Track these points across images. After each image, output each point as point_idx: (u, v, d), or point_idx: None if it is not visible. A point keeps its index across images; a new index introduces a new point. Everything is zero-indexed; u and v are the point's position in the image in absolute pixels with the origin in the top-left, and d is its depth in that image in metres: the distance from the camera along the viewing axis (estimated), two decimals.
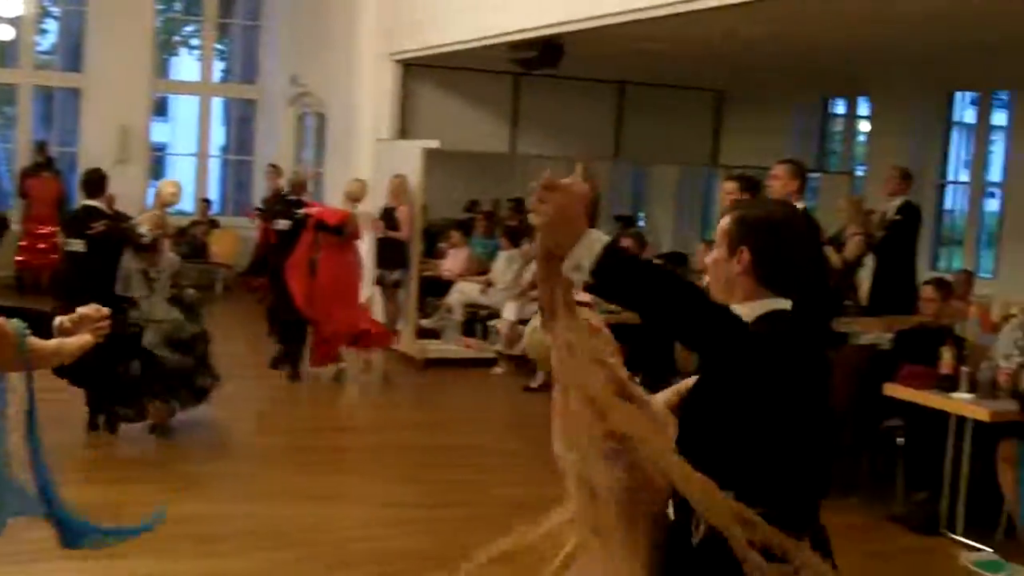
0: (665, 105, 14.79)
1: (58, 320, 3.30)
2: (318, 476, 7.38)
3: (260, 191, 15.90)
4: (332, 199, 14.57)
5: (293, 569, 5.62)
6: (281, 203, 11.09)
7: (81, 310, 3.33)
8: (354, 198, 10.57)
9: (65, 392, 7.42)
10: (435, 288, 12.19)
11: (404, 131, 13.54)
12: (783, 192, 7.14)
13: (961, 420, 6.43)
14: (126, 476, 7.15)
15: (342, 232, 9.95)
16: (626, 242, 10.44)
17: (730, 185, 7.38)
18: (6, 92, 16.77)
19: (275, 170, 15.22)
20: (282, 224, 10.55)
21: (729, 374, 2.58)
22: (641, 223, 15.50)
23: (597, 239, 2.46)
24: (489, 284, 11.67)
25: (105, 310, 3.36)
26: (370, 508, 6.83)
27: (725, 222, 2.76)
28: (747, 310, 2.64)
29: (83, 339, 3.28)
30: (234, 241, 15.87)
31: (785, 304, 2.68)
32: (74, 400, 7.72)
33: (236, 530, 6.11)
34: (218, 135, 18.42)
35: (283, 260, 10.05)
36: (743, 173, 7.68)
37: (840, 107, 14.50)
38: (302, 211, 10.27)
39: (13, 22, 15.55)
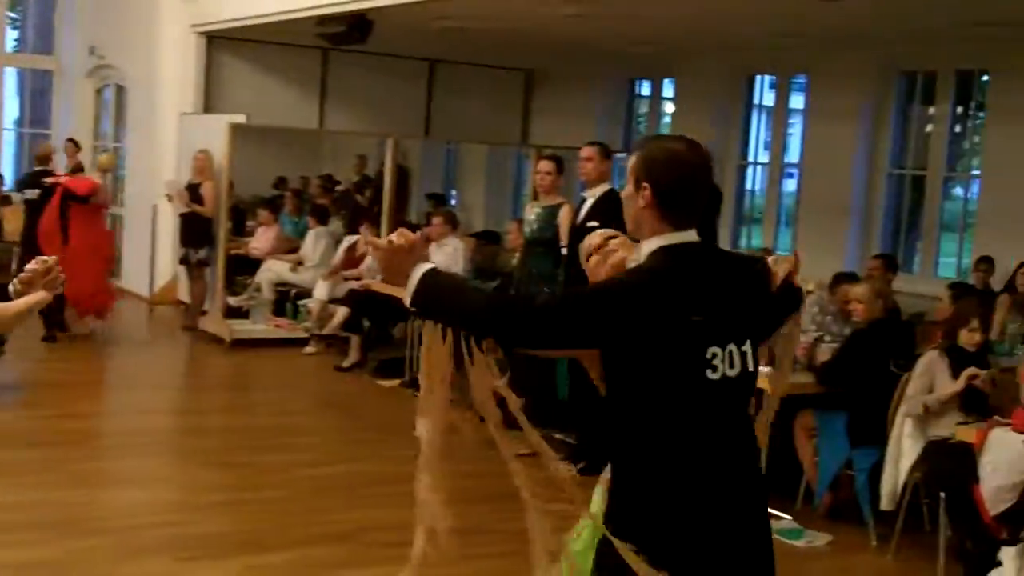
0: (475, 84, 14.83)
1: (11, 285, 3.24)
2: (117, 461, 7.17)
3: (59, 167, 15.21)
4: (134, 174, 14.15)
5: (87, 558, 5.42)
6: (31, 175, 11.17)
7: (28, 266, 3.27)
8: (103, 168, 11.47)
9: None
10: (243, 266, 11.93)
11: (209, 106, 13.20)
12: (597, 172, 7.25)
13: (760, 392, 6.63)
14: None
15: (87, 201, 10.44)
16: (437, 220, 10.44)
17: (546, 164, 7.45)
18: None
19: (73, 145, 14.65)
20: (30, 194, 10.75)
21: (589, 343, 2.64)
22: (453, 201, 15.53)
23: (419, 270, 2.59)
24: (299, 263, 11.49)
25: (51, 260, 3.31)
26: (172, 493, 6.66)
27: (631, 160, 2.76)
28: (646, 247, 2.71)
29: (36, 296, 3.25)
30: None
31: (687, 237, 2.67)
32: None
33: (29, 519, 5.88)
34: (11, 108, 17.55)
35: (35, 229, 10.38)
36: (555, 153, 7.76)
37: (646, 88, 14.79)
38: (49, 180, 10.60)
39: None
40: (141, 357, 11.01)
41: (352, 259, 10.89)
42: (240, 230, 12.59)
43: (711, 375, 2.59)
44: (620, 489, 2.71)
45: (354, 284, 10.43)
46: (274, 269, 11.51)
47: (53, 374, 9.82)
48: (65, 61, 16.16)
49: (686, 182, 2.67)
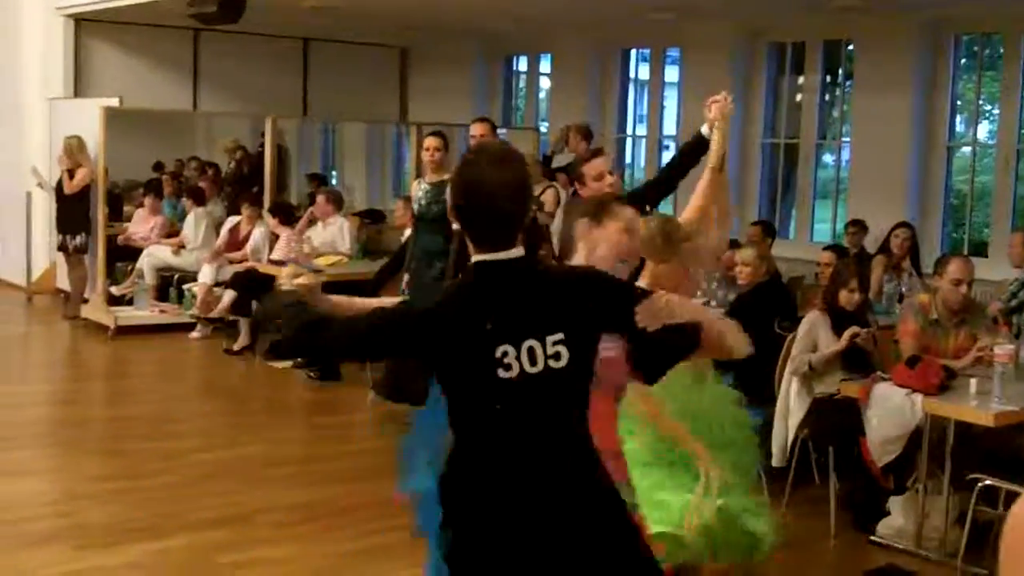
0: (351, 62, 14.76)
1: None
2: (5, 453, 7.01)
3: None
4: (2, 163, 13.74)
5: None
6: None
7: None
8: None
9: None
10: (122, 253, 11.70)
11: (79, 90, 12.90)
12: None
13: None
14: None
15: None
16: (320, 198, 10.41)
17: (433, 141, 7.49)
18: None
19: None
20: None
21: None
22: (334, 181, 15.44)
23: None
24: (181, 246, 11.33)
25: None
26: (61, 483, 6.60)
27: None
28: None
29: None
30: None
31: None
32: None
33: None
34: None
35: None
36: (440, 130, 7.80)
37: (523, 64, 14.89)
38: None
39: None
40: (21, 348, 10.78)
41: (235, 241, 10.78)
42: (118, 216, 12.34)
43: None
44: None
45: (239, 267, 10.34)
46: (156, 254, 11.32)
47: None
48: None
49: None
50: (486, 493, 2.68)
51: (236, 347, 10.01)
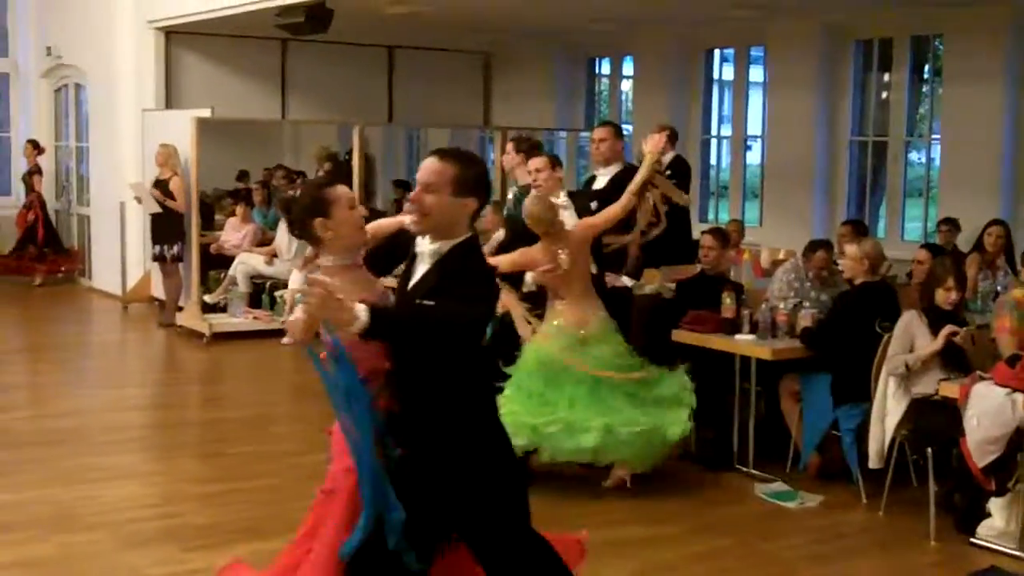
0: (435, 68, 14.87)
1: None
2: (104, 457, 7.17)
3: (20, 168, 15.16)
4: (97, 172, 14.08)
5: (90, 551, 5.48)
6: None
7: None
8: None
9: None
10: (214, 261, 11.93)
11: (170, 101, 13.16)
12: (611, 152, 7.36)
13: (746, 360, 6.79)
14: None
15: None
16: (406, 204, 10.47)
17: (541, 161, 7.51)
18: None
19: (32, 146, 14.61)
20: None
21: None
22: None
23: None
24: (274, 255, 11.51)
25: None
26: (165, 486, 6.72)
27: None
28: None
29: None
30: None
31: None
32: None
33: (28, 516, 5.92)
34: None
35: None
36: (521, 135, 7.85)
37: (606, 67, 14.90)
38: None
39: None
40: (118, 354, 11.03)
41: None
42: (209, 224, 12.58)
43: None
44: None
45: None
46: (248, 262, 11.53)
47: (27, 376, 9.81)
48: (20, 62, 16.03)
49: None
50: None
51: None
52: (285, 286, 10.98)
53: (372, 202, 13.53)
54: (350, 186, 11.69)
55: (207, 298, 11.49)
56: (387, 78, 14.93)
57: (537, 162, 6.99)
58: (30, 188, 14.53)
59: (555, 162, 7.02)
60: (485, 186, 3.55)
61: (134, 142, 12.80)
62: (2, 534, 5.62)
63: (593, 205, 6.92)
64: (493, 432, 3.60)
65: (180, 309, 11.46)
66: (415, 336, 3.42)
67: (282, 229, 11.57)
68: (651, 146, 6.54)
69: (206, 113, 11.37)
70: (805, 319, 6.74)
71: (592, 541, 4.25)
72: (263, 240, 11.91)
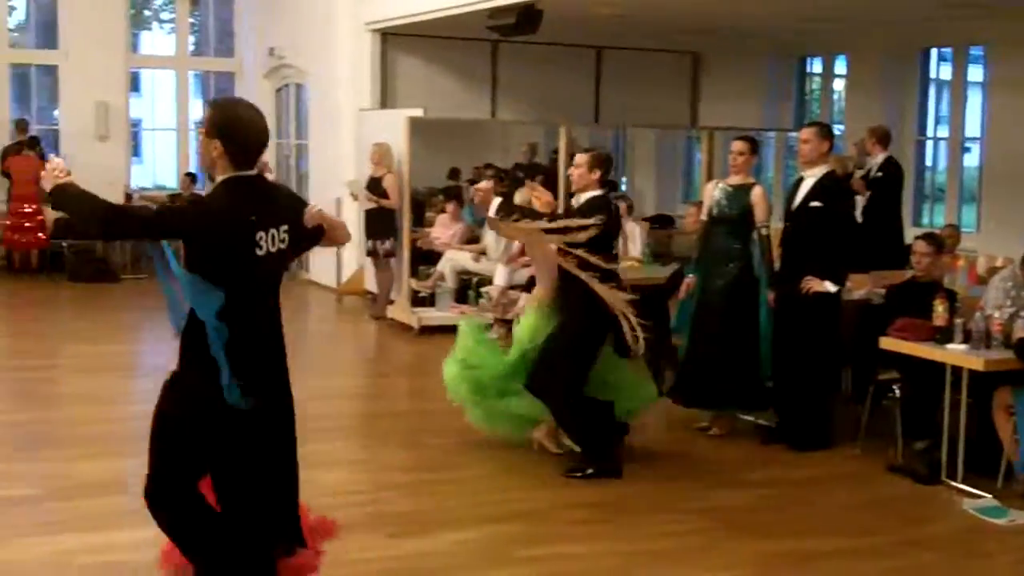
0: (642, 68, 14.88)
1: None
2: (314, 444, 7.40)
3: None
4: (315, 169, 14.64)
5: None
6: None
7: None
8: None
9: None
10: (424, 257, 12.26)
11: (385, 101, 13.57)
12: (815, 153, 7.26)
13: (957, 370, 6.58)
14: (130, 449, 7.20)
15: None
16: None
17: (740, 145, 7.49)
18: None
19: None
20: None
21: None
22: (624, 187, 15.61)
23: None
24: (482, 253, 11.74)
25: None
26: (371, 473, 6.95)
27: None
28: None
29: None
30: None
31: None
32: None
33: None
34: (195, 109, 18.31)
35: None
36: (750, 135, 7.79)
37: (817, 66, 14.62)
38: None
39: None
40: (331, 345, 11.43)
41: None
42: (420, 221, 12.92)
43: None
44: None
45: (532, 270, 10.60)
46: (456, 259, 11.80)
47: None
48: (245, 62, 16.81)
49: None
50: (241, 322, 3.87)
51: None
52: (491, 283, 11.18)
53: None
54: (556, 185, 11.91)
55: (414, 284, 11.79)
56: (594, 79, 15.02)
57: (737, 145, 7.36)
58: None
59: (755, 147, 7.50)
60: None
61: (351, 140, 13.25)
62: None
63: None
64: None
65: (391, 303, 11.82)
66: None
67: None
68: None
69: (419, 113, 11.67)
70: (1021, 330, 6.50)
71: (791, 550, 4.23)
72: (472, 238, 12.15)
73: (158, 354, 10.61)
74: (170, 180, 18.00)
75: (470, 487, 6.55)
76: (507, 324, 10.87)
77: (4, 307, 13.53)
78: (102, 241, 11.62)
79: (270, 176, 4.49)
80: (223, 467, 4.00)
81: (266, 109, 15.82)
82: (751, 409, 7.70)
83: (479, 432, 7.67)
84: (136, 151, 19.22)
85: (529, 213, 6.69)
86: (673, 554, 5.50)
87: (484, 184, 7.14)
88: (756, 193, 7.41)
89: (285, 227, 3.97)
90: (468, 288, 11.75)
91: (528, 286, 10.31)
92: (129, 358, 10.50)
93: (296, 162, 15.87)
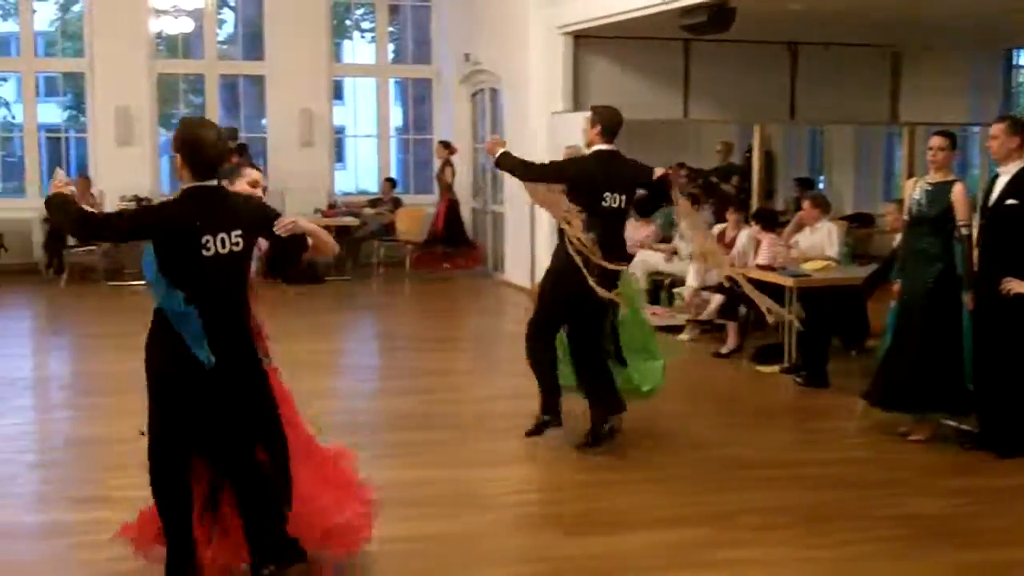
0: (839, 64, 14.56)
1: None
2: (505, 442, 7.57)
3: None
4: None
5: (485, 531, 5.84)
6: None
7: None
8: None
9: None
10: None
11: (577, 104, 13.67)
12: (1005, 149, 7.04)
13: None
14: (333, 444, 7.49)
15: None
16: (807, 203, 10.37)
17: (938, 140, 7.29)
18: (192, 82, 17.48)
19: (444, 145, 15.67)
20: None
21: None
22: (821, 185, 15.33)
23: None
24: (674, 253, 11.72)
25: None
26: (549, 472, 7.03)
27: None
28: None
29: None
30: (419, 218, 16.27)
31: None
32: None
33: (435, 494, 6.37)
34: (395, 115, 18.85)
35: None
36: (948, 130, 7.57)
37: None
38: None
39: (193, 14, 16.28)
40: (522, 346, 11.55)
41: (722, 246, 10.97)
42: None
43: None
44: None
45: (732, 271, 10.50)
46: (648, 259, 11.81)
47: (443, 363, 10.54)
48: (442, 69, 17.20)
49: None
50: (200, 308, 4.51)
51: (724, 350, 10.21)
52: (683, 283, 11.15)
53: (772, 201, 13.46)
54: (750, 183, 11.77)
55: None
56: (789, 75, 14.77)
57: (936, 141, 7.24)
58: (443, 185, 15.60)
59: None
60: None
61: (543, 143, 13.39)
62: (411, 508, 6.07)
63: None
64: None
65: None
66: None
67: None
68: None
69: None
70: None
71: (989, 560, 4.11)
72: (663, 238, 12.14)
73: (361, 354, 11.06)
74: (372, 185, 18.55)
75: (654, 488, 6.55)
76: (701, 325, 10.86)
77: None
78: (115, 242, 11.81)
79: (258, 191, 5.12)
80: (206, 423, 4.64)
81: (462, 114, 16.37)
82: (954, 413, 7.47)
83: (664, 432, 7.72)
84: (339, 157, 19.87)
85: (529, 164, 7.32)
86: (862, 562, 5.40)
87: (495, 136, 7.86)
88: (956, 191, 7.18)
89: (238, 232, 4.55)
90: (660, 289, 11.74)
91: (720, 287, 10.28)
92: (331, 356, 10.88)
93: (491, 166, 16.12)
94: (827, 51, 14.45)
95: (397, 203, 16.40)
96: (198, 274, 4.49)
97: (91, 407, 8.55)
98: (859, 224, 12.49)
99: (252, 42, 17.65)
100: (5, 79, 23.43)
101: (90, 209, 4.74)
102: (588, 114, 7.69)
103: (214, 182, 4.60)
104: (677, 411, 8.62)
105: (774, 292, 9.64)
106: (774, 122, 13.95)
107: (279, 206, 9.20)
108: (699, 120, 14.65)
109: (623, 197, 7.17)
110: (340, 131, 19.22)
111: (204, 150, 4.53)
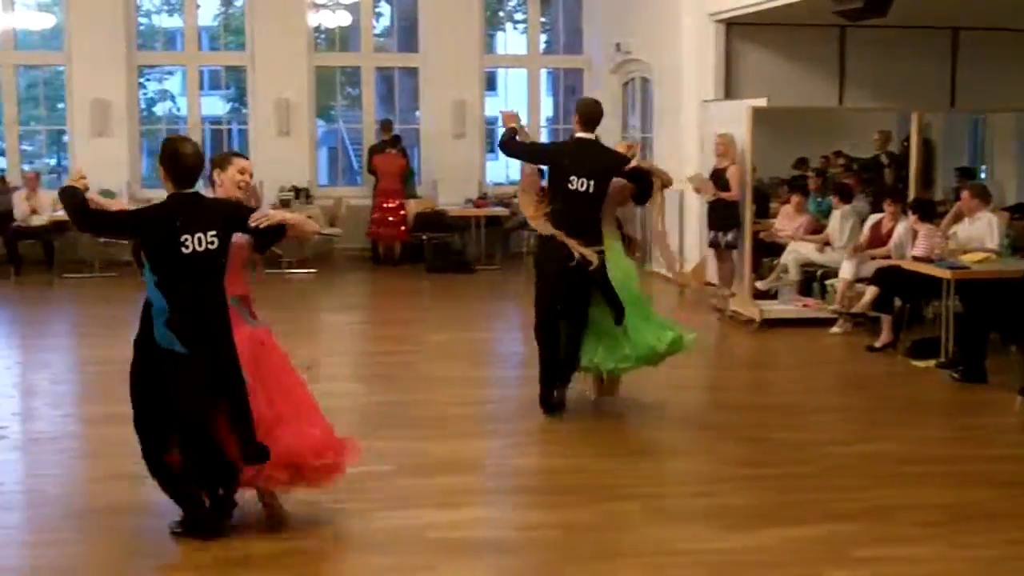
0: (1003, 49, 14.08)
1: None
2: (658, 431, 7.58)
3: None
4: (659, 162, 14.79)
5: (634, 520, 5.84)
6: None
7: None
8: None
9: None
10: (766, 248, 12.17)
11: (728, 91, 13.54)
12: None
13: None
14: (481, 431, 7.64)
15: None
16: (966, 194, 10.08)
17: None
18: (350, 75, 17.85)
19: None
20: None
21: None
22: (983, 175, 14.85)
23: None
24: (826, 243, 11.52)
25: None
26: (703, 465, 6.97)
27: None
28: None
29: None
30: None
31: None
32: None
33: (574, 482, 6.40)
34: (546, 106, 18.93)
35: None
36: None
37: None
38: None
39: (351, 8, 16.64)
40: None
41: (878, 237, 10.75)
42: (763, 212, 12.82)
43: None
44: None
45: (882, 262, 10.31)
46: (800, 250, 11.64)
47: None
48: (593, 59, 17.21)
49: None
50: (178, 309, 5.21)
51: (878, 344, 10.00)
52: (836, 275, 10.95)
53: (931, 190, 13.10)
54: (903, 174, 11.48)
55: (759, 284, 11.74)
56: (950, 62, 14.35)
57: None
58: None
59: None
60: None
61: (694, 132, 13.32)
62: (553, 496, 6.19)
63: None
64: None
65: (732, 295, 11.81)
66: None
67: (835, 217, 11.55)
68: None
69: (762, 103, 11.59)
70: None
71: None
72: (816, 229, 11.94)
73: (510, 342, 11.17)
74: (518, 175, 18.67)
75: (811, 483, 6.45)
76: (853, 318, 10.65)
77: (369, 296, 14.56)
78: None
79: (246, 177, 5.78)
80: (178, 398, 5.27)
81: (612, 103, 16.36)
82: None
83: (815, 427, 7.64)
84: (491, 148, 20.04)
85: (515, 141, 7.85)
86: (1017, 562, 5.27)
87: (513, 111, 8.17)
88: None
89: (213, 232, 5.24)
90: (812, 280, 11.55)
91: (874, 278, 10.08)
92: (482, 345, 11.02)
93: (642, 154, 16.09)
94: (990, 36, 13.99)
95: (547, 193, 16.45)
96: (179, 268, 5.18)
97: None
98: (1021, 216, 12.05)
99: (407, 35, 17.94)
100: (171, 73, 24.33)
101: (94, 206, 5.41)
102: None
103: (193, 189, 5.30)
104: (829, 405, 8.54)
105: (931, 284, 9.43)
106: (933, 110, 13.56)
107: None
108: (855, 108, 14.35)
109: (591, 182, 7.52)
110: (492, 122, 19.35)
111: (183, 163, 5.27)
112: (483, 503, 6.24)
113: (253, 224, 5.31)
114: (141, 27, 17.85)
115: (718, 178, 11.67)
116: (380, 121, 16.41)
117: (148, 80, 22.79)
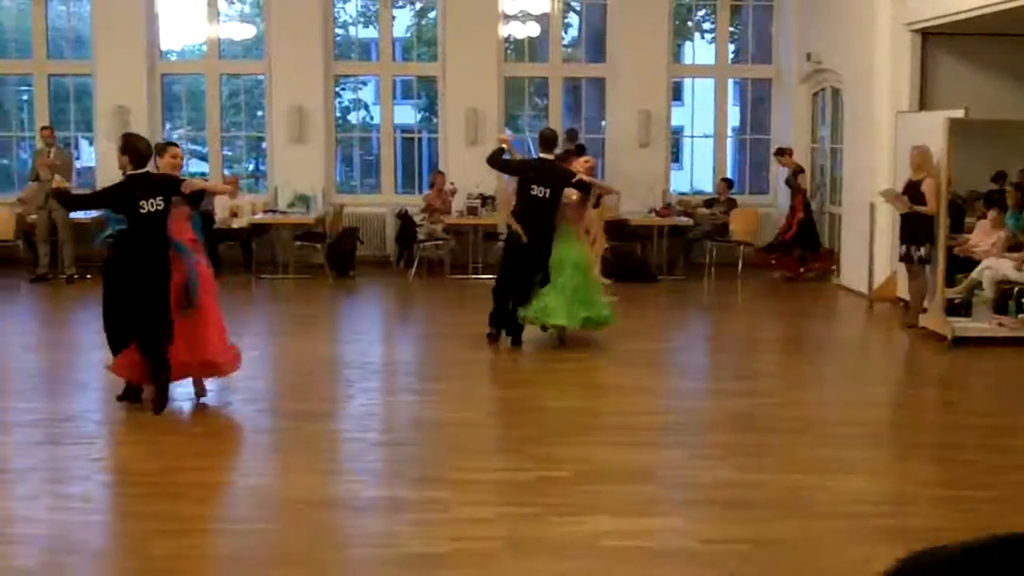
0: None
1: None
2: (839, 449, 7.44)
3: (773, 171, 16.14)
4: (849, 173, 14.52)
5: (820, 540, 5.73)
6: None
7: None
8: None
9: None
10: (961, 264, 11.80)
11: (924, 103, 13.18)
12: None
13: None
14: (658, 441, 7.64)
15: None
16: None
17: None
18: (539, 85, 18.03)
19: (779, 153, 15.50)
20: None
21: None
22: None
23: None
24: None
25: None
26: (892, 485, 6.82)
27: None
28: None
29: None
30: (753, 219, 16.19)
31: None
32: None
33: (766, 497, 6.33)
34: (732, 116, 18.76)
35: None
36: None
37: None
38: None
39: (540, 19, 16.83)
40: (860, 351, 11.33)
41: None
42: (958, 227, 12.43)
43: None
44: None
45: None
46: (997, 267, 11.25)
47: (778, 366, 10.40)
48: (783, 69, 16.98)
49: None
50: (135, 251, 7.98)
51: None
52: None
53: None
54: None
55: (948, 292, 11.38)
56: None
57: None
58: (796, 188, 15.37)
59: None
60: None
61: (887, 144, 13.01)
62: (742, 510, 6.11)
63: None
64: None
65: (924, 311, 11.49)
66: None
67: None
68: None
69: (959, 114, 11.26)
70: None
71: None
72: (1014, 245, 11.51)
73: (693, 352, 11.15)
74: (706, 185, 18.55)
75: (993, 508, 6.24)
76: None
77: None
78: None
79: (178, 161, 8.41)
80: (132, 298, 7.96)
81: (801, 114, 16.13)
82: None
83: (1010, 452, 7.37)
84: (676, 157, 19.96)
85: (499, 157, 10.59)
86: None
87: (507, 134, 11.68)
88: None
89: (160, 197, 7.86)
90: (1008, 298, 11.14)
91: None
92: (664, 355, 11.01)
93: (830, 165, 15.83)
94: None
95: (732, 204, 16.34)
96: (139, 221, 7.84)
97: (435, 392, 9.06)
98: None
99: (595, 45, 18.03)
100: (365, 83, 25.01)
101: (76, 192, 9.08)
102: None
103: (145, 170, 7.97)
104: (1018, 426, 8.24)
105: None
106: None
107: None
108: None
109: (548, 190, 10.28)
110: (678, 131, 19.27)
111: (139, 152, 8.00)
112: (662, 513, 6.22)
113: (184, 190, 7.98)
114: (338, 38, 18.39)
115: (913, 191, 11.37)
116: (566, 130, 16.53)
117: (343, 89, 23.49)
